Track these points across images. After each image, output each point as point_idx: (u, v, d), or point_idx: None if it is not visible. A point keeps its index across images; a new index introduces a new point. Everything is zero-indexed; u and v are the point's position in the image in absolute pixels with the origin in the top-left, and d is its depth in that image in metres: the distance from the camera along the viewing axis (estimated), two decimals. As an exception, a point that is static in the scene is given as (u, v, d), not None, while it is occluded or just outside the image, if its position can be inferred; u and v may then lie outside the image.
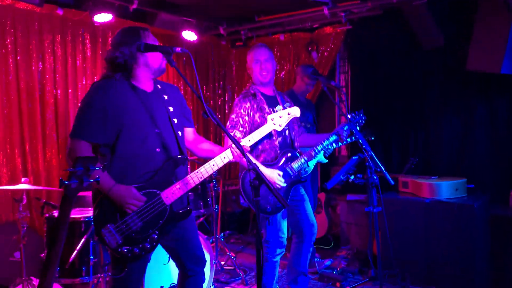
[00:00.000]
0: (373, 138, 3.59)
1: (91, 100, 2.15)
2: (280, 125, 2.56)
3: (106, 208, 2.14)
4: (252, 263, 4.49)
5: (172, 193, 2.24)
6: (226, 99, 6.08)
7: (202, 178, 2.30)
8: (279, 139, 3.09)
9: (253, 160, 2.88)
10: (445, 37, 4.27)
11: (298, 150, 3.19)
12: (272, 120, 2.55)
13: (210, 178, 4.18)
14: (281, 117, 2.57)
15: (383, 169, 2.65)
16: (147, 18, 4.71)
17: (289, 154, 3.09)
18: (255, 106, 3.06)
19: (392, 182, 2.67)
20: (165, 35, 5.16)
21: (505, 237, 3.90)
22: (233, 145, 2.32)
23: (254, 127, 3.00)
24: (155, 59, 2.28)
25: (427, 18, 4.16)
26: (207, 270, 3.44)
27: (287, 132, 3.18)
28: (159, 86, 2.39)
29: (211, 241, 4.30)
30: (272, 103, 3.12)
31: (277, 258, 3.12)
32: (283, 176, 2.95)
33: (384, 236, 3.56)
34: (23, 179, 3.21)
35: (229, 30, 5.31)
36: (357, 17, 4.69)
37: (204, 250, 2.45)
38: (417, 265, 3.77)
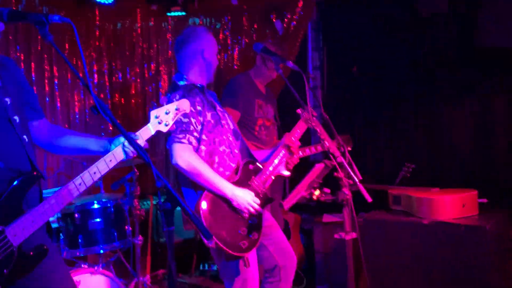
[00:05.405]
0: (350, 149, 3.58)
1: None
2: (167, 124, 2.42)
3: None
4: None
5: (22, 229, 2.06)
6: (160, 85, 5.99)
7: (71, 199, 2.16)
8: (238, 145, 3.07)
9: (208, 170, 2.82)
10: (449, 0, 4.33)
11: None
12: (156, 117, 2.40)
13: (131, 196, 4.06)
14: (168, 113, 2.44)
15: (357, 180, 2.66)
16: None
17: (251, 166, 3.05)
18: (205, 102, 2.97)
19: (370, 199, 2.68)
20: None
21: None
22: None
23: (208, 129, 2.94)
24: None
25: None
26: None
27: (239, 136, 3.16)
28: None
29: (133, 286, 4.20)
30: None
31: None
32: None
33: (368, 269, 3.57)
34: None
35: (162, -11, 5.25)
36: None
37: None
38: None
